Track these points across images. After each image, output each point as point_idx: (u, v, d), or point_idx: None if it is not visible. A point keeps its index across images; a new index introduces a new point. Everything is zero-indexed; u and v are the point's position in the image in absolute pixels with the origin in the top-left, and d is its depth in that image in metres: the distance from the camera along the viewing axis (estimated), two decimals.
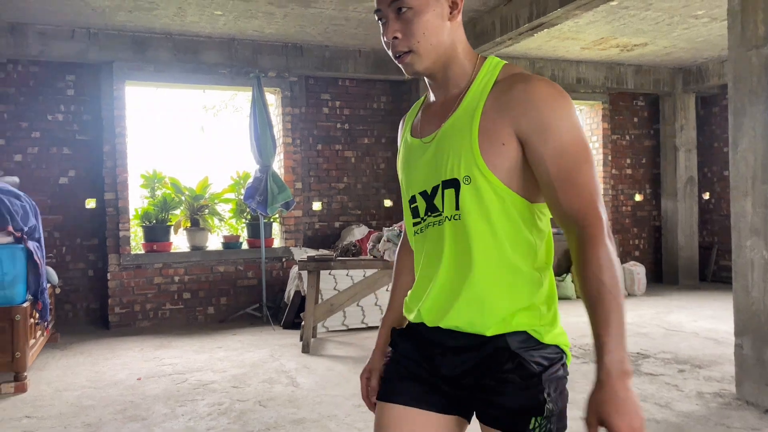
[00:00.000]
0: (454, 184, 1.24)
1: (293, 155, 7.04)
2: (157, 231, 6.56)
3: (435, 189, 1.28)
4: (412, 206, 1.36)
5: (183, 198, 6.73)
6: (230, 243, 6.90)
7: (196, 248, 6.74)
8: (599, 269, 1.12)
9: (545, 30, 5.49)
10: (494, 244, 1.24)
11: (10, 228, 4.22)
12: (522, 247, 1.25)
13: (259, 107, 6.27)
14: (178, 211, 6.79)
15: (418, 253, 1.37)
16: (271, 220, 6.96)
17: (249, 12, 5.69)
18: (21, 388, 4.14)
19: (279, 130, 6.97)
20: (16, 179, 5.14)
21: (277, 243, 7.09)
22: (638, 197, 8.89)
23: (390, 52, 1.30)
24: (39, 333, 4.79)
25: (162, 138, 7.26)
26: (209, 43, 6.48)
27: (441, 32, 1.26)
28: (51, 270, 5.28)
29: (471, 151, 1.21)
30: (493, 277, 1.24)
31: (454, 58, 1.29)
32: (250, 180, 6.38)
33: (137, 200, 6.80)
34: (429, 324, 1.31)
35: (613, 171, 8.65)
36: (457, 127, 1.26)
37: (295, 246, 6.92)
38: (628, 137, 8.84)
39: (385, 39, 1.28)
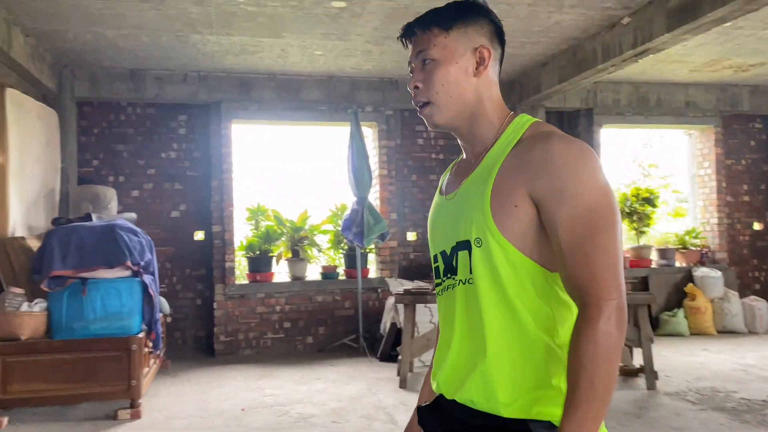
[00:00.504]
0: (467, 246, 1.18)
1: (389, 187, 7.12)
2: (260, 262, 6.81)
3: (453, 250, 1.23)
4: (434, 265, 1.31)
5: (284, 230, 6.96)
6: (328, 273, 7.04)
7: (297, 278, 6.92)
8: (585, 354, 1.04)
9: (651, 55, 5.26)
10: (509, 313, 1.15)
11: (129, 263, 4.51)
12: (542, 318, 1.15)
13: (357, 141, 6.40)
14: (279, 242, 7.02)
15: (441, 314, 1.31)
16: (367, 250, 7.04)
17: (348, 51, 5.86)
18: (136, 415, 4.38)
19: (375, 162, 7.08)
20: (134, 215, 5.52)
21: (372, 273, 7.15)
22: (757, 226, 8.23)
23: (413, 103, 1.28)
24: (152, 361, 5.07)
25: (265, 172, 7.57)
26: (309, 82, 6.72)
27: (463, 86, 1.23)
28: (163, 300, 5.60)
29: (482, 212, 1.16)
30: (508, 350, 1.15)
31: (480, 114, 1.25)
32: (347, 212, 6.50)
33: (242, 232, 7.10)
34: (446, 396, 1.24)
35: (728, 198, 8.08)
36: (473, 186, 1.21)
37: (391, 276, 6.96)
38: (744, 162, 8.24)
39: (409, 89, 1.28)
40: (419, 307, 5.56)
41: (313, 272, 7.27)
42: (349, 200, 6.62)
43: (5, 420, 4.25)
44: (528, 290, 1.15)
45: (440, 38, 1.23)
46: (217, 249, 6.67)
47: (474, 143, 1.27)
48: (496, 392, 1.15)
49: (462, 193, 1.24)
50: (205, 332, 6.84)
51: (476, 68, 1.24)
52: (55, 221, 5.06)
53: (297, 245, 6.98)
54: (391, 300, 6.25)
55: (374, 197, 7.07)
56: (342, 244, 7.10)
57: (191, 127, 6.87)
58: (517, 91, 7.05)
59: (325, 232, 7.28)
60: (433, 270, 1.32)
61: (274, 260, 6.93)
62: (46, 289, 4.37)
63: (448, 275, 1.24)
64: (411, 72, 1.29)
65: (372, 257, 7.23)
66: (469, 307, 1.20)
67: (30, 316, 4.35)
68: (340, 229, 6.71)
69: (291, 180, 7.24)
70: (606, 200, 1.10)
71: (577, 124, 7.58)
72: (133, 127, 6.74)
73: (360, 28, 5.22)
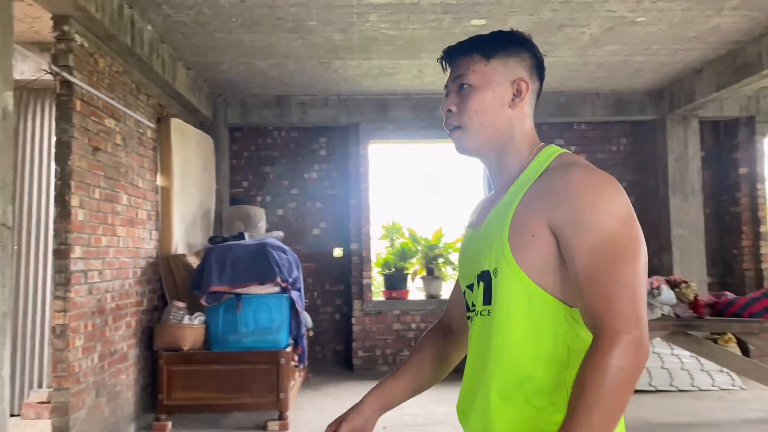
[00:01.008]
0: (485, 277, 1.17)
1: None
2: (395, 279, 6.89)
3: (476, 281, 1.22)
4: (465, 302, 1.28)
5: (419, 247, 7.00)
6: None
7: (431, 296, 6.92)
8: (589, 383, 0.99)
9: None
10: (511, 347, 1.12)
11: (278, 279, 4.74)
12: (551, 359, 1.10)
13: None
14: (414, 260, 7.06)
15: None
16: None
17: None
18: (284, 426, 4.56)
19: None
20: (281, 234, 5.80)
21: None
22: None
23: (444, 125, 1.28)
24: (297, 374, 5.27)
25: (400, 190, 7.69)
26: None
27: (496, 115, 1.22)
28: (307, 315, 5.81)
29: (501, 242, 1.14)
30: (506, 387, 1.12)
31: (509, 145, 1.23)
32: None
33: (378, 249, 7.23)
34: (461, 424, 1.26)
35: None
36: (496, 217, 1.19)
37: None
38: None
39: (442, 111, 1.28)
40: None
41: (447, 290, 7.22)
42: None
43: (169, 424, 4.60)
44: (542, 327, 1.11)
45: (480, 65, 1.23)
46: (355, 266, 6.83)
47: (501, 174, 1.25)
48: (494, 429, 1.13)
49: (486, 224, 1.23)
50: (343, 347, 7.02)
51: (512, 99, 1.22)
52: (211, 240, 5.44)
53: (431, 263, 6.98)
54: None
55: None
56: None
57: (331, 148, 7.13)
58: (666, 100, 6.60)
59: (459, 250, 7.22)
60: (463, 304, 1.30)
61: (409, 277, 6.98)
62: (204, 303, 4.70)
63: (472, 307, 1.23)
64: (446, 95, 1.28)
65: None
66: (480, 339, 1.19)
67: (191, 328, 4.69)
68: None
69: (426, 198, 7.30)
70: (627, 231, 1.06)
71: (736, 133, 6.94)
72: (278, 150, 7.13)
73: None
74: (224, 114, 6.72)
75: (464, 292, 1.28)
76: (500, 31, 1.27)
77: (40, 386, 4.81)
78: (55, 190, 3.71)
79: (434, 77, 6.09)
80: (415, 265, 7.09)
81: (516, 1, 4.30)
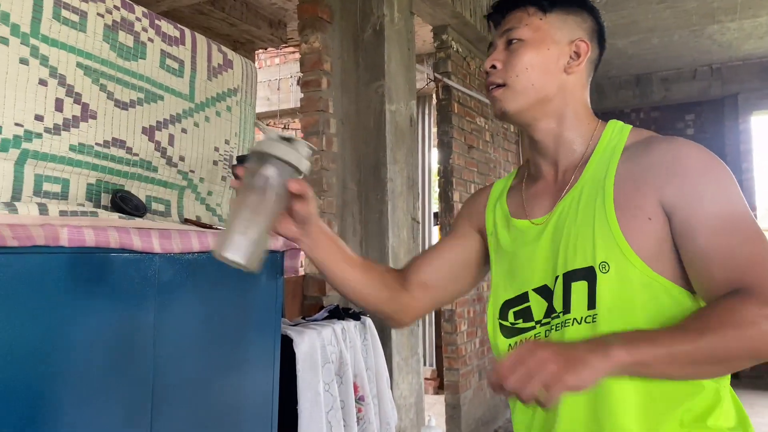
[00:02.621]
0: (587, 274, 0.94)
1: None
2: None
3: (565, 280, 0.97)
4: (518, 308, 1.02)
5: None
6: None
7: None
8: (725, 320, 0.79)
9: None
10: None
11: None
12: None
13: None
14: None
15: None
16: None
17: None
18: None
19: None
20: None
21: None
22: None
23: (486, 85, 1.06)
24: None
25: None
26: None
27: (549, 77, 1.01)
28: None
29: (608, 228, 0.93)
30: (653, 411, 0.90)
31: (569, 117, 1.02)
32: None
33: None
34: None
35: None
36: (582, 202, 0.98)
37: None
38: None
39: (485, 68, 1.05)
40: None
41: None
42: None
43: None
44: (675, 321, 0.89)
45: (534, 18, 1.02)
46: None
47: (558, 152, 1.04)
48: None
49: (564, 213, 0.99)
50: None
51: (568, 62, 1.01)
52: None
53: None
54: None
55: None
56: None
57: (700, 125, 6.37)
58: None
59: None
60: (510, 313, 1.04)
61: None
62: None
63: (550, 316, 0.98)
64: (488, 53, 1.06)
65: None
66: None
67: None
68: None
69: None
70: (749, 213, 0.89)
71: None
72: None
73: None
74: None
75: (521, 297, 1.03)
76: None
77: (423, 364, 5.38)
78: (439, 187, 4.07)
79: None
80: None
81: None
